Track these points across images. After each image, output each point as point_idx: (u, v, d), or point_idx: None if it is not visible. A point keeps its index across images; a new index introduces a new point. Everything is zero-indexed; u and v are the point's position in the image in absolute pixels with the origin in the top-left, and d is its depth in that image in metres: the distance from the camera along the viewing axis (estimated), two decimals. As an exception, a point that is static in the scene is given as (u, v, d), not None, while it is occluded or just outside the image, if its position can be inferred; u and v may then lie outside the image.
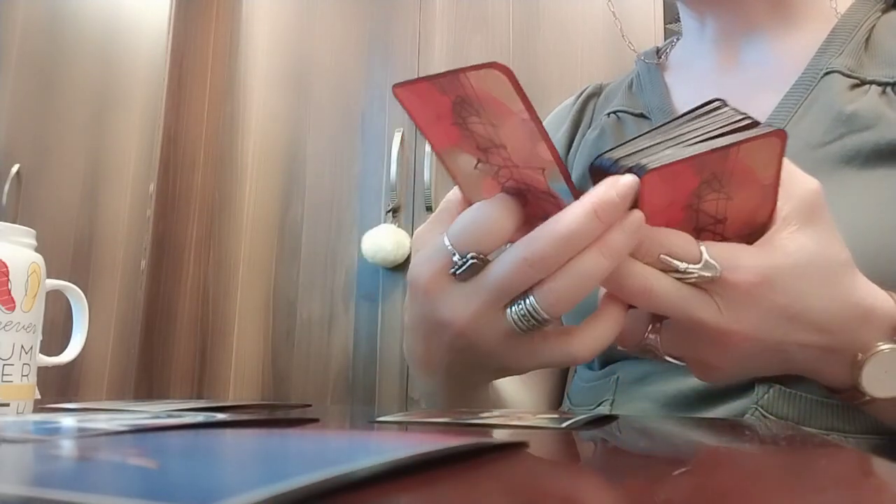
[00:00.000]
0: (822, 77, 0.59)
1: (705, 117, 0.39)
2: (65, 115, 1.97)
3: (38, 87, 2.02)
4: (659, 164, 0.36)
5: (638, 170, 0.37)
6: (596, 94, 0.76)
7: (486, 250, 0.38)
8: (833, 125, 0.56)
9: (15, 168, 1.96)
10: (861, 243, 0.49)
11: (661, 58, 0.74)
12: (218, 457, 0.23)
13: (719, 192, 0.38)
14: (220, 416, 0.36)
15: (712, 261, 0.38)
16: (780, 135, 0.38)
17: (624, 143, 0.39)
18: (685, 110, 0.40)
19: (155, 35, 1.91)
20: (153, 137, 1.86)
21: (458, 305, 0.39)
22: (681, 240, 0.38)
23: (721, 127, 0.38)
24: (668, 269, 0.38)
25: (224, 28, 1.98)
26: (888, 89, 0.56)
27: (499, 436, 0.33)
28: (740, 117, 0.39)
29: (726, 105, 0.40)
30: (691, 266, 0.37)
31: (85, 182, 1.90)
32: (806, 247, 0.39)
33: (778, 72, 0.63)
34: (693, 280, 0.38)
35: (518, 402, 0.64)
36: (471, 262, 0.38)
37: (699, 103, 0.40)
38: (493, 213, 0.38)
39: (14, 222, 0.51)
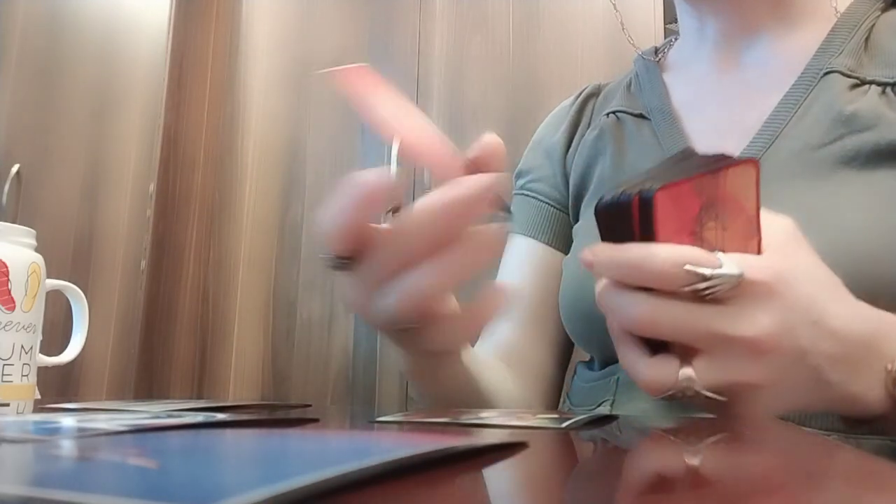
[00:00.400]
0: (821, 77, 0.59)
1: (683, 162, 0.41)
2: (65, 115, 1.97)
3: (38, 87, 2.02)
4: (664, 183, 0.37)
5: (646, 192, 0.37)
6: (595, 94, 0.76)
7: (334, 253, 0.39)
8: (833, 125, 0.56)
9: (15, 168, 1.96)
10: (861, 243, 0.49)
11: (659, 58, 0.74)
12: (218, 457, 0.23)
13: (716, 220, 0.39)
14: (220, 416, 0.36)
15: (732, 263, 0.37)
16: (755, 163, 0.40)
17: (616, 187, 0.40)
18: (667, 157, 0.43)
19: (155, 35, 1.91)
20: (153, 137, 1.86)
21: (347, 293, 0.42)
22: (697, 252, 0.38)
23: (701, 165, 0.40)
24: (694, 282, 0.37)
25: (224, 28, 1.98)
26: (888, 89, 0.56)
27: (499, 436, 0.33)
28: (712, 154, 0.40)
29: (695, 152, 0.42)
30: (716, 271, 0.37)
31: (85, 182, 1.90)
32: (805, 261, 0.41)
33: (778, 72, 0.62)
34: (717, 289, 0.37)
35: (504, 395, 0.62)
36: (334, 262, 0.39)
37: (675, 152, 0.43)
38: (334, 218, 0.38)
39: (14, 222, 0.51)
